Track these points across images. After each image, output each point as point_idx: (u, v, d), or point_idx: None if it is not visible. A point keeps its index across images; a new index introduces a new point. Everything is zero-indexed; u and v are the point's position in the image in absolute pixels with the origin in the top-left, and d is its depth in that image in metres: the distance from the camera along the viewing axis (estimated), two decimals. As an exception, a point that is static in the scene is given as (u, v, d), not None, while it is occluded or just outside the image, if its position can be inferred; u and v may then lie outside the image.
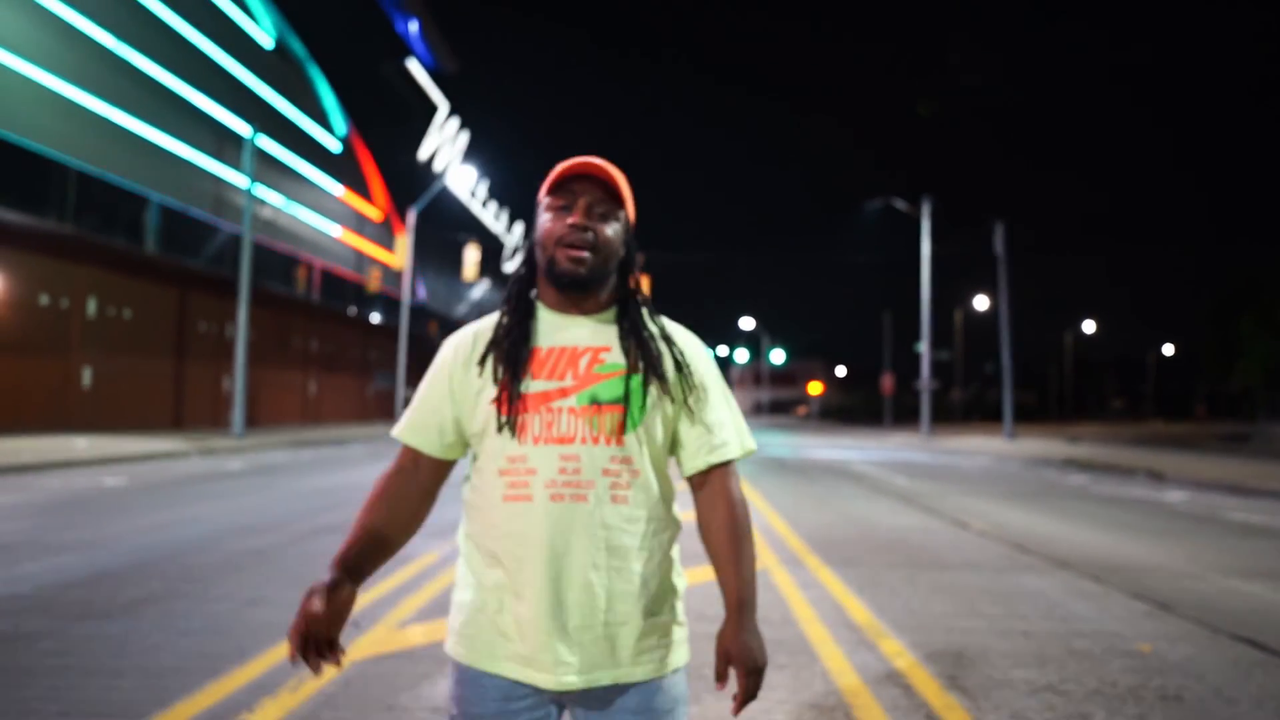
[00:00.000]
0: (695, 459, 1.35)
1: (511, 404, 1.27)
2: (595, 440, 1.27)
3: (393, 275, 34.02)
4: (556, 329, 1.33)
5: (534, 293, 1.38)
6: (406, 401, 29.49)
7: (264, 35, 27.29)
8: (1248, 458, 19.80)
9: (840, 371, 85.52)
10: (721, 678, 1.28)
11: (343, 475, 12.23)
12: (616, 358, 1.31)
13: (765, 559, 5.87)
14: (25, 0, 16.77)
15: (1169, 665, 3.68)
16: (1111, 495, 11.62)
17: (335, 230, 31.12)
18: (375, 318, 33.99)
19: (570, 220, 1.29)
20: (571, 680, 1.24)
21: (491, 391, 1.29)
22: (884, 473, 14.80)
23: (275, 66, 27.67)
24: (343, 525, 7.28)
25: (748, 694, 1.25)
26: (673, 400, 1.32)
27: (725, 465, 1.36)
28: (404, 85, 38.94)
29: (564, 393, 1.28)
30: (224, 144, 23.30)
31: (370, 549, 1.32)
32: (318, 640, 1.21)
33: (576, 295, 1.33)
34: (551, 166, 1.34)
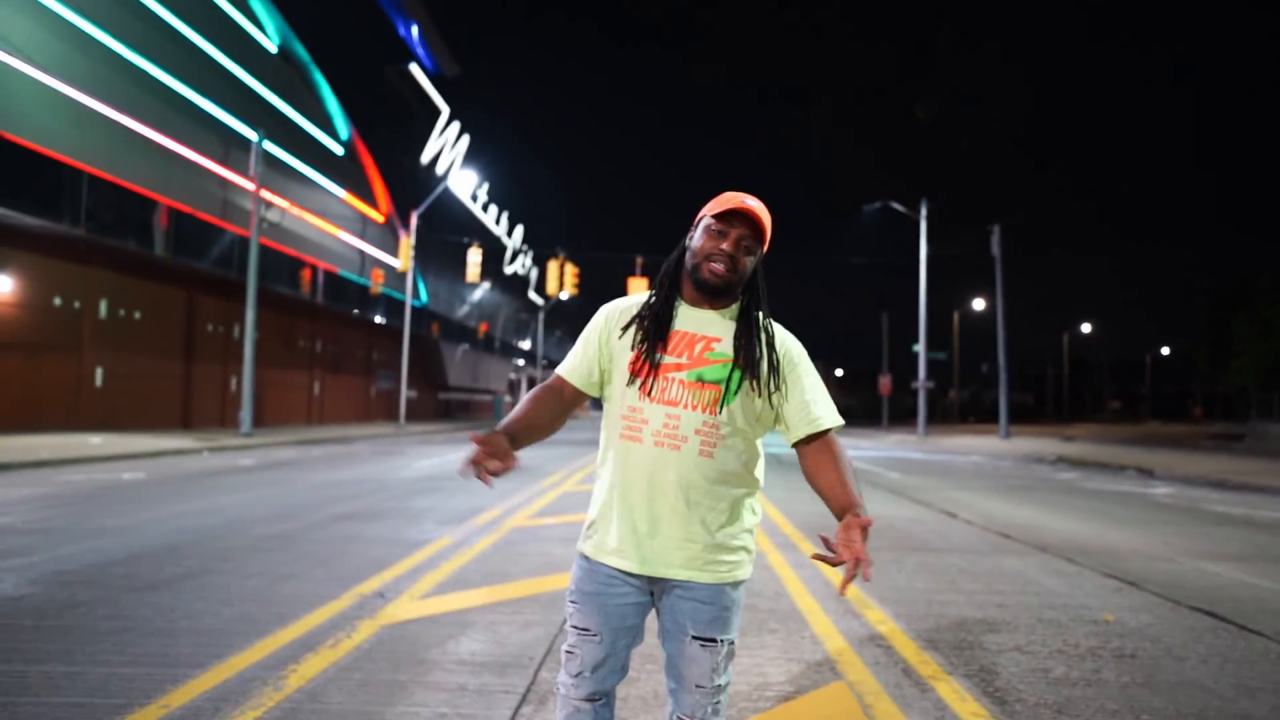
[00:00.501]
0: (797, 430, 1.74)
1: (643, 370, 1.71)
2: (694, 407, 1.69)
3: (395, 277, 34.35)
4: (686, 318, 1.75)
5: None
6: (410, 403, 29.77)
7: (268, 40, 27.66)
8: (1237, 456, 20.12)
9: (839, 373, 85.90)
10: (833, 563, 1.55)
11: (351, 470, 12.56)
12: (725, 348, 1.72)
13: (760, 543, 6.20)
14: (40, 9, 17.12)
15: (1129, 631, 4.01)
16: (1099, 489, 11.94)
17: (339, 233, 31.46)
18: (378, 319, 34.31)
19: (722, 245, 1.71)
20: (658, 571, 1.70)
21: (630, 355, 1.74)
22: (878, 469, 15.13)
23: (279, 71, 28.03)
24: (358, 513, 7.63)
25: (851, 577, 1.53)
26: (759, 395, 1.72)
27: (826, 433, 1.73)
28: (406, 89, 39.30)
29: (679, 368, 1.71)
30: (231, 148, 23.65)
31: (524, 426, 1.76)
32: (492, 454, 1.62)
33: (708, 298, 1.76)
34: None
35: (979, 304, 38.15)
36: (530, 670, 3.24)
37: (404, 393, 31.45)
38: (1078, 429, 43.76)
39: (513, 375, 59.11)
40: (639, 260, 25.01)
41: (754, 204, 1.71)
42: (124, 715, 2.70)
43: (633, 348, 1.74)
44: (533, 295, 67.25)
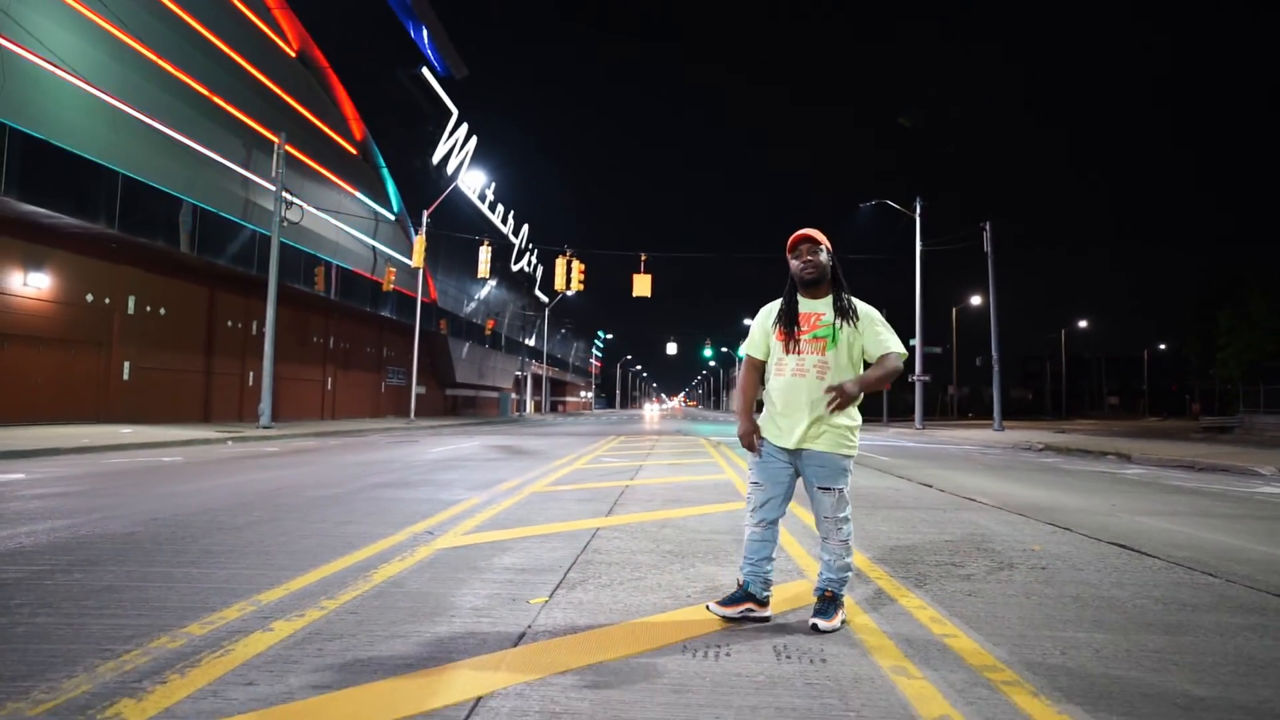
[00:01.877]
0: (872, 353, 3.17)
1: (785, 338, 3.21)
2: (813, 353, 3.15)
3: (405, 274, 35.28)
4: (805, 305, 3.24)
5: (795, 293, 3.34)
6: (419, 399, 30.55)
7: (287, 46, 28.56)
8: (1219, 444, 20.89)
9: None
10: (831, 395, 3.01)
11: (375, 454, 13.45)
12: (828, 318, 3.17)
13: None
14: (78, 19, 18.05)
15: (1049, 555, 4.87)
16: (1074, 469, 12.76)
17: (353, 232, 32.38)
18: (389, 315, 35.22)
19: (802, 259, 3.21)
20: (797, 444, 3.14)
21: (776, 333, 3.26)
22: (870, 454, 15.97)
23: (298, 75, 28.95)
24: (393, 483, 8.51)
25: (834, 403, 3.00)
26: (855, 333, 3.14)
27: (887, 354, 3.12)
28: (417, 91, 40.20)
29: (803, 332, 3.18)
30: (253, 150, 24.57)
31: (751, 405, 3.38)
32: (753, 438, 3.26)
33: (812, 289, 3.22)
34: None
35: (975, 300, 38.91)
36: (562, 571, 4.12)
37: (414, 388, 32.38)
38: (1074, 424, 44.50)
39: (519, 372, 59.96)
40: (643, 257, 25.86)
41: (804, 230, 3.21)
42: (260, 592, 3.59)
43: (774, 327, 3.25)
44: (538, 293, 68.14)
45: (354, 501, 6.93)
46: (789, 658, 2.77)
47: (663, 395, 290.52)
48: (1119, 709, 2.35)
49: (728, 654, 2.80)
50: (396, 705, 2.26)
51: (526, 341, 66.78)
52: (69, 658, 2.64)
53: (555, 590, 3.72)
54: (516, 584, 3.84)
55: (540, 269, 66.88)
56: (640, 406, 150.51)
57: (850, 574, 3.20)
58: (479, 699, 2.33)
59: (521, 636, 2.96)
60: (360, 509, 6.46)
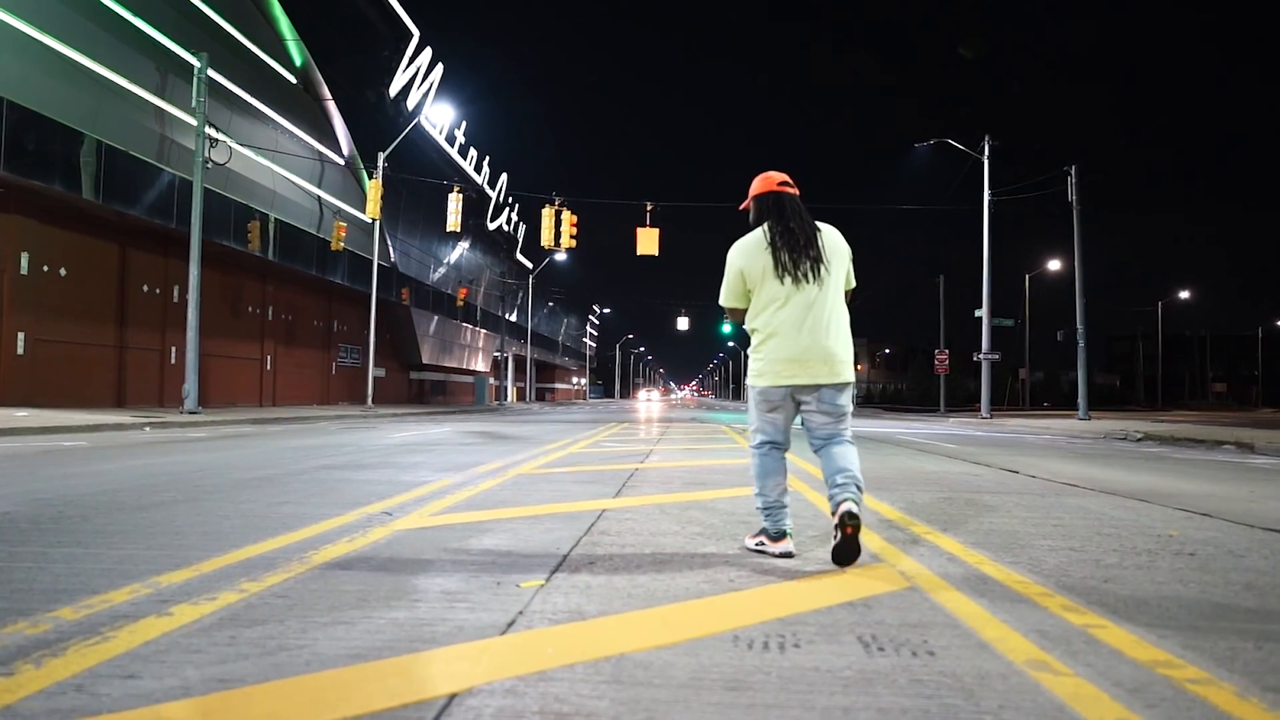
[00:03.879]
0: None
1: None
2: None
3: (360, 234, 34.85)
4: None
5: None
6: (377, 382, 30.45)
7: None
8: (1357, 433, 20.48)
9: (887, 351, 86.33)
10: None
11: (324, 439, 13.13)
12: None
13: (798, 487, 6.72)
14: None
15: (1191, 540, 4.51)
16: (1188, 459, 12.41)
17: (293, 178, 31.93)
18: (340, 281, 34.81)
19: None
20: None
21: None
22: (934, 441, 15.64)
23: (223, -14, 28.42)
24: (344, 465, 8.20)
25: None
26: None
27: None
28: (369, 7, 39.59)
29: None
30: (169, 76, 24.11)
31: None
32: None
33: None
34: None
35: (1054, 265, 38.46)
36: (560, 554, 3.77)
37: (371, 369, 32.07)
38: (1173, 414, 44.13)
39: (497, 353, 59.56)
40: (649, 207, 25.39)
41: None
42: (161, 574, 3.24)
43: None
44: (520, 257, 67.68)
45: (292, 483, 6.60)
46: (881, 649, 2.41)
47: (671, 384, 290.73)
48: (1366, 713, 1.98)
49: (795, 645, 2.44)
50: (333, 704, 1.90)
51: (507, 316, 66.35)
52: (-117, 646, 2.29)
53: (554, 573, 3.37)
54: (502, 566, 3.49)
55: (523, 228, 66.38)
56: (635, 395, 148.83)
57: (761, 508, 3.79)
58: (453, 696, 1.98)
59: (511, 624, 2.61)
60: (300, 490, 6.12)
